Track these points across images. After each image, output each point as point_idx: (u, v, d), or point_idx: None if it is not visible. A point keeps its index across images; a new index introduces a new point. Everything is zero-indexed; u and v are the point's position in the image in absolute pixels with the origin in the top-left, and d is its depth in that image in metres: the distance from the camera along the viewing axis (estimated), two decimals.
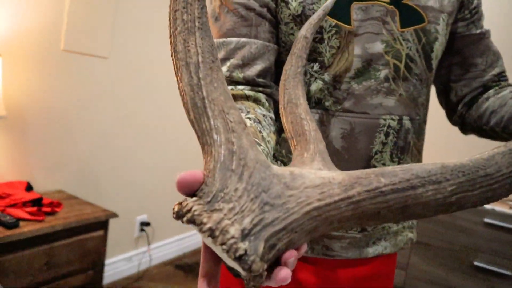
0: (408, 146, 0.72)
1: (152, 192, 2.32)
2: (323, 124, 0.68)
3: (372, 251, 0.75)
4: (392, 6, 0.68)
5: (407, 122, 0.71)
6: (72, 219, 1.51)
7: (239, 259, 0.30)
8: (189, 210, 0.32)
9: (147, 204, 2.30)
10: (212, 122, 0.35)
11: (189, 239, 2.61)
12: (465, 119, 0.82)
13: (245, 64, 0.66)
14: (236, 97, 0.63)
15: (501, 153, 0.38)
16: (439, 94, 0.86)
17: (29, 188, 1.67)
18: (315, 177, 0.35)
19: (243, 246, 0.30)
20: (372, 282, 0.79)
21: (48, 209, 1.52)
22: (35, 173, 1.77)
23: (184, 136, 2.42)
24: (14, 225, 1.34)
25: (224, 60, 0.66)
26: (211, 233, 0.31)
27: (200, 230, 0.31)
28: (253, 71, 0.66)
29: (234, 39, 0.66)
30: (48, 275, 1.45)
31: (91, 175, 1.98)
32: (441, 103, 0.85)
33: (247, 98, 0.64)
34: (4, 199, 1.50)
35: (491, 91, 0.78)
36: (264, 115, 0.63)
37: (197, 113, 0.36)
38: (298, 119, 0.47)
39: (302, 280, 0.75)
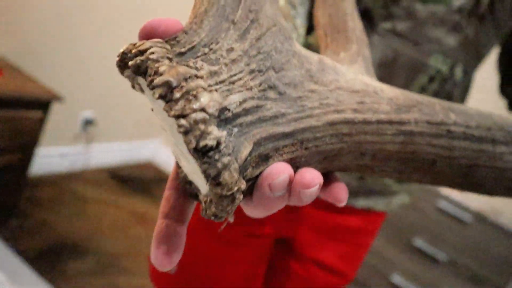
0: (449, 101, 0.60)
1: (104, 86, 2.07)
2: None
3: (361, 203, 0.66)
4: None
5: (459, 73, 0.58)
6: (11, 90, 1.28)
7: (203, 153, 0.19)
8: (142, 52, 0.20)
9: (96, 98, 2.06)
10: None
11: (134, 150, 2.42)
12: None
13: None
14: None
15: None
16: (502, 54, 0.69)
17: None
18: (354, 78, 0.25)
19: (216, 133, 0.19)
20: (354, 235, 0.71)
21: None
22: None
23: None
24: None
25: None
26: (166, 91, 0.18)
27: (150, 84, 0.19)
28: None
29: None
30: None
31: (39, 49, 1.71)
32: (499, 67, 0.70)
33: None
34: None
35: None
36: (301, 2, 0.48)
37: None
38: (341, 13, 0.34)
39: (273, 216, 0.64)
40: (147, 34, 0.21)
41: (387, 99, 0.24)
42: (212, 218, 0.21)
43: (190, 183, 0.24)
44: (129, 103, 2.22)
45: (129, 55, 0.20)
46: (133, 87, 0.23)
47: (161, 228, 0.23)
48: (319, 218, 0.68)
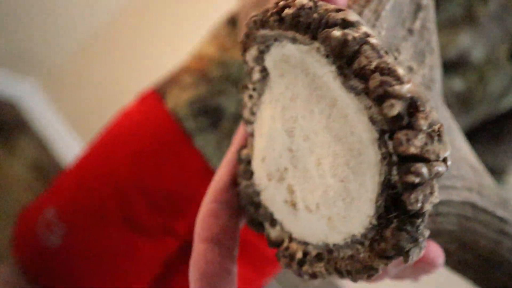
0: None
1: None
2: None
3: None
4: None
5: None
6: None
7: (413, 217, 0.14)
8: (349, 23, 0.14)
9: None
10: None
11: None
12: None
13: None
14: None
15: None
16: None
17: None
18: (467, 149, 0.22)
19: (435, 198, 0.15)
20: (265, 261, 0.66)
21: None
22: None
23: None
24: None
25: None
26: (408, 112, 0.13)
27: (378, 87, 0.13)
28: None
29: None
30: None
31: None
32: None
33: None
34: None
35: None
36: None
37: None
38: None
39: None
40: None
41: (490, 187, 0.21)
42: (302, 275, 0.17)
43: (258, 205, 0.19)
44: None
45: (308, 9, 0.15)
46: (245, 46, 0.18)
47: (210, 260, 0.17)
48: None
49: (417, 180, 0.13)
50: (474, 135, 0.65)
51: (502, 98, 0.56)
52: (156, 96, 0.57)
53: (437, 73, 0.20)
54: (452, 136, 0.20)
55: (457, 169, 0.19)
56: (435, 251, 0.20)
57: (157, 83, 0.59)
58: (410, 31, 0.18)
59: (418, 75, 0.18)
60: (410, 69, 0.18)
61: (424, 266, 0.21)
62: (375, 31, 0.17)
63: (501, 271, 0.23)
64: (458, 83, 0.51)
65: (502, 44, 0.51)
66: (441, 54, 0.48)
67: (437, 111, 0.19)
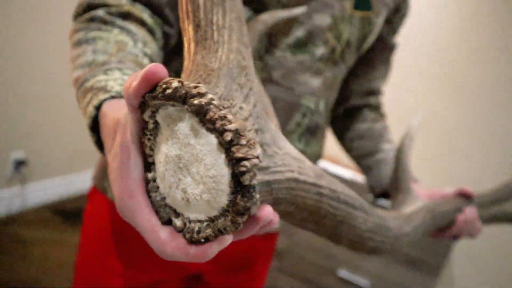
0: (317, 130, 0.69)
1: (32, 125, 2.03)
2: None
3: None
4: None
5: (322, 106, 0.68)
6: None
7: (248, 189, 0.24)
8: (202, 94, 0.24)
9: (25, 138, 2.02)
10: (227, 21, 0.29)
11: (73, 183, 2.38)
12: (335, 120, 0.86)
13: None
14: (129, 16, 0.50)
15: (392, 217, 0.43)
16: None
17: None
18: (290, 147, 0.32)
19: (259, 176, 0.25)
20: (256, 257, 0.79)
21: None
22: None
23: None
24: None
25: None
26: (235, 137, 0.24)
27: (217, 127, 0.24)
28: None
29: None
30: None
31: None
32: None
33: (142, 24, 0.51)
34: None
35: (370, 116, 0.83)
36: (157, 55, 0.52)
37: (210, 0, 0.29)
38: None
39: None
40: (152, 78, 0.25)
41: (309, 167, 0.32)
42: (202, 240, 0.26)
43: (163, 208, 0.28)
44: (59, 138, 2.18)
45: (181, 90, 0.24)
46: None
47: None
48: (222, 251, 0.73)
49: (245, 169, 0.23)
50: (352, 72, 0.81)
51: (362, 44, 0.69)
52: (97, 192, 0.68)
53: (259, 105, 0.29)
54: (280, 144, 0.30)
55: (282, 160, 0.29)
56: (268, 211, 0.27)
57: (95, 177, 0.69)
58: (239, 84, 0.27)
59: (246, 110, 0.27)
60: (240, 108, 0.26)
61: (258, 223, 0.27)
62: (218, 91, 0.26)
63: (328, 220, 0.34)
64: (320, 50, 0.63)
65: (347, 0, 0.63)
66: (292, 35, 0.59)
67: (262, 131, 0.28)
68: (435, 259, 1.77)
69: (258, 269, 0.81)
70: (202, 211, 0.26)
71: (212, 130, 0.24)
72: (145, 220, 0.27)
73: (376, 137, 0.80)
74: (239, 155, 0.23)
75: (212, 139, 0.24)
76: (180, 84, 0.24)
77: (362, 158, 0.80)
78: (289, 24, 0.59)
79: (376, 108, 0.85)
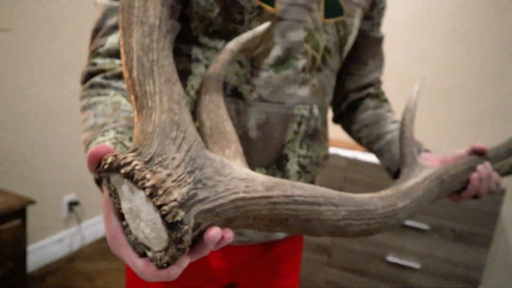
0: (316, 134, 0.73)
1: (78, 169, 2.21)
2: (239, 115, 0.66)
3: (282, 233, 0.78)
4: None
5: (316, 111, 0.72)
6: None
7: (174, 225, 0.30)
8: (128, 163, 0.31)
9: (74, 182, 2.20)
10: (157, 87, 0.35)
11: None
12: (341, 116, 0.90)
13: None
14: (122, 76, 0.57)
15: (377, 197, 0.46)
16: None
17: None
18: (241, 171, 0.37)
19: (181, 213, 0.31)
20: (284, 259, 0.84)
21: None
22: None
23: None
24: None
25: (117, 27, 0.59)
26: (154, 191, 0.30)
27: (140, 186, 0.31)
28: None
29: None
30: None
31: (4, 159, 1.84)
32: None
33: None
34: None
35: (371, 103, 0.86)
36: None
37: (142, 74, 0.35)
38: (220, 119, 0.48)
39: (217, 268, 0.76)
40: (95, 158, 0.34)
41: (260, 182, 0.37)
42: (165, 265, 0.33)
43: (138, 245, 0.35)
44: None
45: (114, 164, 0.32)
46: (98, 182, 0.37)
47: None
48: (253, 260, 0.80)
49: (165, 212, 0.30)
50: (345, 72, 0.85)
51: (343, 47, 0.73)
52: None
53: (195, 147, 0.35)
54: (225, 172, 0.36)
55: (226, 186, 0.34)
56: (213, 233, 0.33)
57: None
58: (172, 138, 0.33)
59: (178, 159, 0.33)
60: (173, 159, 0.32)
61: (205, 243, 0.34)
62: (152, 151, 0.32)
63: (292, 221, 0.38)
64: (301, 62, 0.67)
65: (318, 11, 0.67)
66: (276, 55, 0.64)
67: (201, 168, 0.34)
68: (482, 230, 1.73)
69: (289, 269, 0.86)
70: (158, 245, 0.33)
71: (139, 188, 0.31)
72: (126, 255, 0.36)
73: (381, 121, 0.82)
74: (158, 203, 0.30)
75: (142, 194, 0.31)
76: (114, 158, 0.32)
77: (372, 144, 0.82)
78: (266, 46, 0.64)
79: (377, 96, 0.87)
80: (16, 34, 1.81)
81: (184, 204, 0.31)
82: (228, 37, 0.64)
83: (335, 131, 2.27)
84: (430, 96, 2.08)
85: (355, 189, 1.91)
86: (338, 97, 0.89)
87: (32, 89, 1.91)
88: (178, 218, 0.30)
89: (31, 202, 1.56)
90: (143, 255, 0.36)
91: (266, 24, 0.59)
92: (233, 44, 0.57)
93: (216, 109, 0.49)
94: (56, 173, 2.09)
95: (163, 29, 0.37)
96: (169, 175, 0.32)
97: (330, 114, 2.12)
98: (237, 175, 0.36)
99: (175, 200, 0.30)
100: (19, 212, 1.53)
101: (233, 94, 0.65)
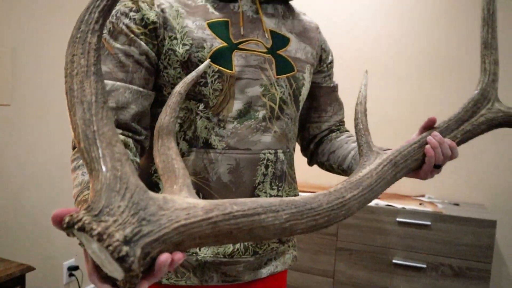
0: (284, 175, 0.81)
1: None
2: (211, 162, 0.75)
3: (265, 271, 0.84)
4: (269, 55, 0.78)
5: (281, 155, 0.81)
6: None
7: (121, 259, 0.36)
8: (79, 220, 0.38)
9: (74, 247, 2.23)
10: (100, 152, 0.41)
11: None
12: (312, 155, 0.99)
13: (119, 107, 0.70)
14: None
15: (323, 194, 0.50)
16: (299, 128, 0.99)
17: None
18: (183, 201, 0.43)
19: (125, 248, 0.37)
20: None
21: None
22: None
23: None
24: None
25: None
26: (100, 237, 0.37)
27: (90, 235, 0.37)
28: (126, 115, 0.71)
29: (110, 82, 0.70)
30: None
31: (3, 228, 1.89)
32: (296, 138, 0.98)
33: None
34: None
35: (333, 135, 0.96)
36: (132, 160, 0.67)
37: (87, 144, 0.42)
38: (170, 158, 0.55)
39: None
40: (56, 219, 0.40)
41: (201, 208, 0.42)
42: None
43: (109, 277, 0.42)
44: None
45: (70, 222, 0.38)
46: (68, 235, 0.42)
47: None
48: None
49: (110, 251, 0.36)
50: (308, 120, 0.96)
51: (298, 98, 0.83)
52: None
53: (137, 193, 0.41)
54: (168, 206, 0.41)
55: (168, 217, 0.40)
56: (162, 259, 0.39)
57: None
58: (116, 191, 0.40)
59: (123, 206, 0.39)
60: (118, 207, 0.39)
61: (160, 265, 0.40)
62: (100, 205, 0.38)
63: (236, 233, 0.43)
64: (261, 112, 0.77)
65: (270, 70, 0.77)
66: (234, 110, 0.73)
67: (145, 208, 0.40)
68: (480, 265, 1.73)
69: None
70: (118, 275, 0.39)
71: (91, 237, 0.38)
72: (100, 285, 0.43)
73: (344, 144, 0.91)
74: (105, 245, 0.37)
75: (95, 240, 0.38)
76: (70, 218, 0.39)
77: (342, 165, 0.89)
78: (230, 103, 0.74)
79: (338, 129, 0.98)
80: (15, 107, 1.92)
81: (130, 241, 0.38)
82: (195, 98, 0.74)
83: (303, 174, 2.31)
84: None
85: (346, 225, 1.92)
86: (305, 142, 0.99)
87: (30, 157, 1.99)
88: (123, 253, 0.37)
89: (30, 268, 1.59)
90: (114, 284, 0.42)
91: (206, 63, 0.67)
92: (180, 86, 0.63)
93: (167, 150, 0.56)
94: (55, 240, 2.12)
95: (100, 102, 0.44)
96: (115, 221, 0.38)
97: (297, 157, 2.18)
98: (179, 206, 0.42)
99: (117, 240, 0.37)
100: (18, 279, 1.56)
101: (205, 146, 0.75)
